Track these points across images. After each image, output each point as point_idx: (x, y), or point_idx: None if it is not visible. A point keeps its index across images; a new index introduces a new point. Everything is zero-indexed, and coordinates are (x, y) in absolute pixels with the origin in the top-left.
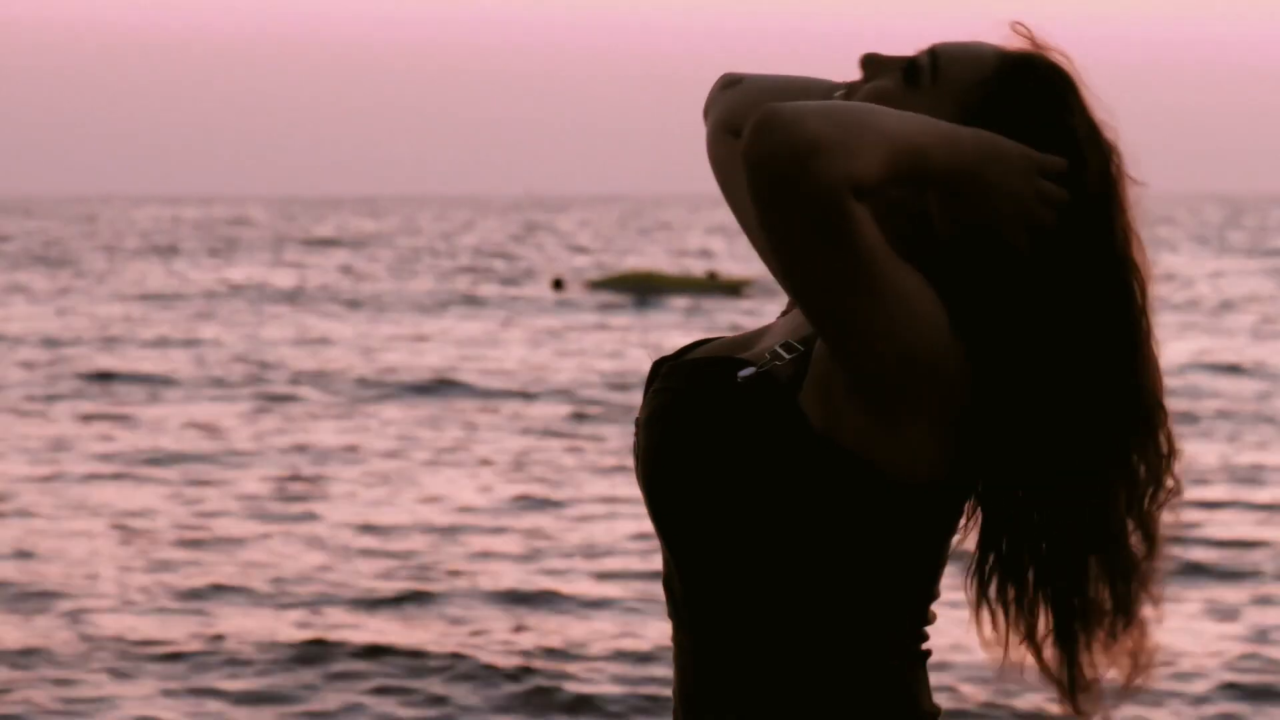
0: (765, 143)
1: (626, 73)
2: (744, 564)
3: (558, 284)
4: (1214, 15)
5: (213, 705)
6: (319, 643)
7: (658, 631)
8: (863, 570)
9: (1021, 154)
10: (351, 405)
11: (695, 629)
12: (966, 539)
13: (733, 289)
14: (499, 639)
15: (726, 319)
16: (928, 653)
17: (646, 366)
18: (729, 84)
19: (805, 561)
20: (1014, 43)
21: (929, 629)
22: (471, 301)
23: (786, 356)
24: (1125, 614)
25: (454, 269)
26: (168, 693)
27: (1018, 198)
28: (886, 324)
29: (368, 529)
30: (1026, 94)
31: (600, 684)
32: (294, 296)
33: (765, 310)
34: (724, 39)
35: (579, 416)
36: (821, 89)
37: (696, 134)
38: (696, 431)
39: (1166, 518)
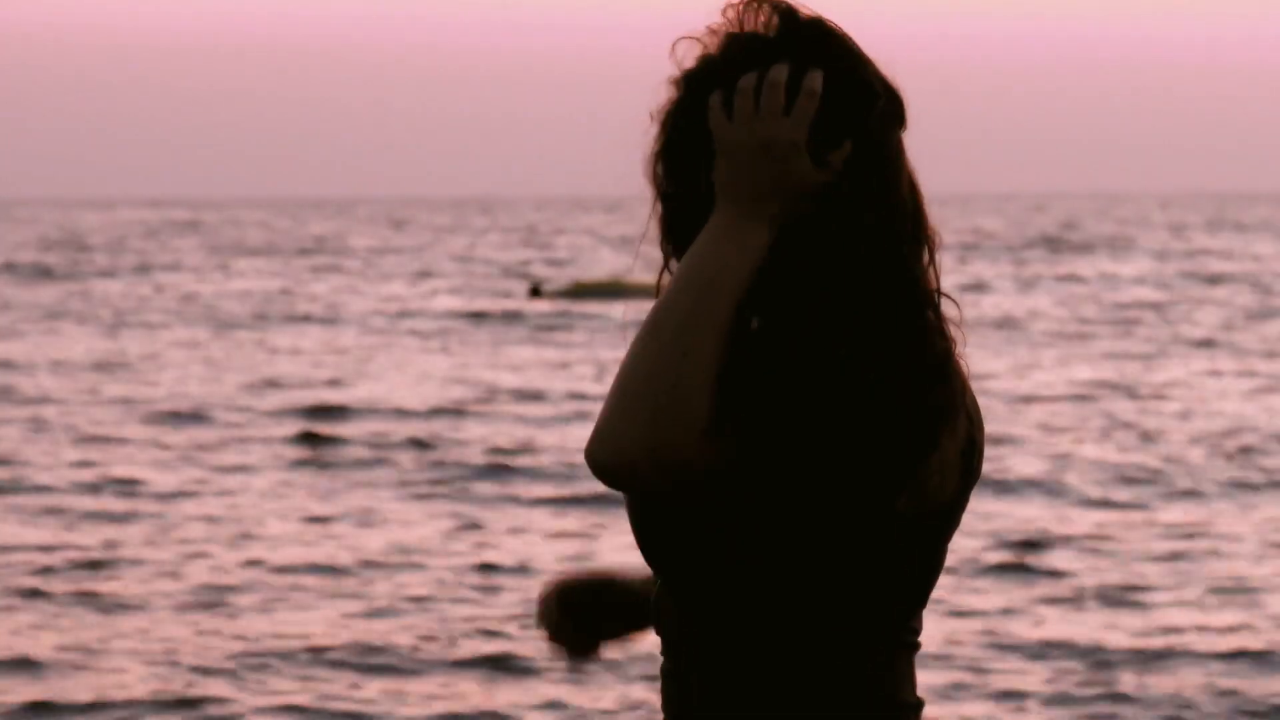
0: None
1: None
2: (734, 583)
3: (535, 291)
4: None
5: None
6: None
7: None
8: (850, 578)
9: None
10: None
11: (684, 643)
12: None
13: None
14: None
15: None
16: (916, 644)
17: None
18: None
19: (793, 579)
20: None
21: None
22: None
23: None
24: None
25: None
26: None
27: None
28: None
29: None
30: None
31: None
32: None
33: None
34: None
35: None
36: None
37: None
38: None
39: None
